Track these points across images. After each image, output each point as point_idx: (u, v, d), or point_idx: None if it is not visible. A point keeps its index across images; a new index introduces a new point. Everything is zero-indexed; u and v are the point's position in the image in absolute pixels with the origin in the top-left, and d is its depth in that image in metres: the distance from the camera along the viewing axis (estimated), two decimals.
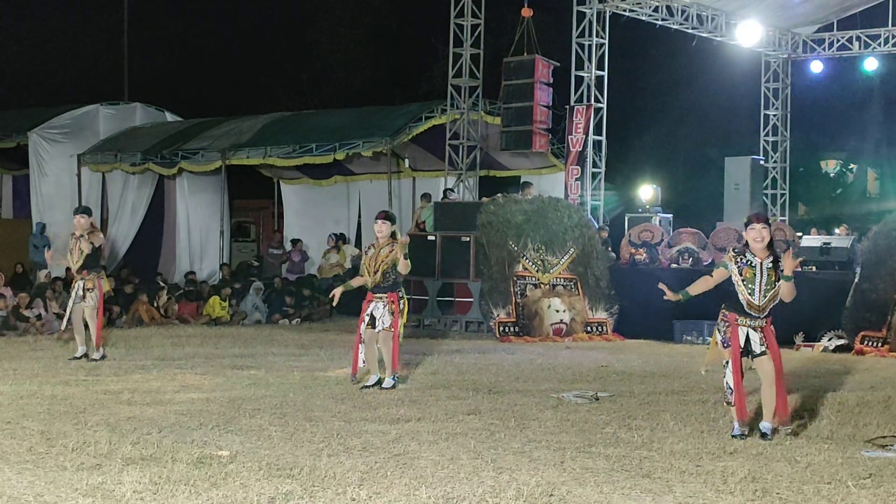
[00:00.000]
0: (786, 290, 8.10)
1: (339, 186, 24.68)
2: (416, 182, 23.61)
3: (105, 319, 13.97)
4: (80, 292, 12.74)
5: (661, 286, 8.57)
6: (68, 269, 19.82)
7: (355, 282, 10.90)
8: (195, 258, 23.72)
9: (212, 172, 22.57)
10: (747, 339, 8.19)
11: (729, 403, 8.38)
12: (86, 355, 12.74)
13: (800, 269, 16.48)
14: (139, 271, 21.58)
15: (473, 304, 17.44)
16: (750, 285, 8.14)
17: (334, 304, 11.17)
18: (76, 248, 12.79)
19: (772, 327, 8.25)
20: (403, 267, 10.44)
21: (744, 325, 8.20)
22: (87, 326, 12.87)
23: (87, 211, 13.34)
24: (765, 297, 8.13)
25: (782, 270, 8.08)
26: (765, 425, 8.17)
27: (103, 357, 12.72)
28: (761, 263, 8.14)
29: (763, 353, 8.18)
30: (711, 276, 8.36)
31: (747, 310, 8.17)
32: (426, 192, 21.37)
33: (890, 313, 14.85)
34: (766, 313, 8.18)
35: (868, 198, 31.76)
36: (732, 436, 8.12)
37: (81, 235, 12.76)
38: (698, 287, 8.46)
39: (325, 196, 25.05)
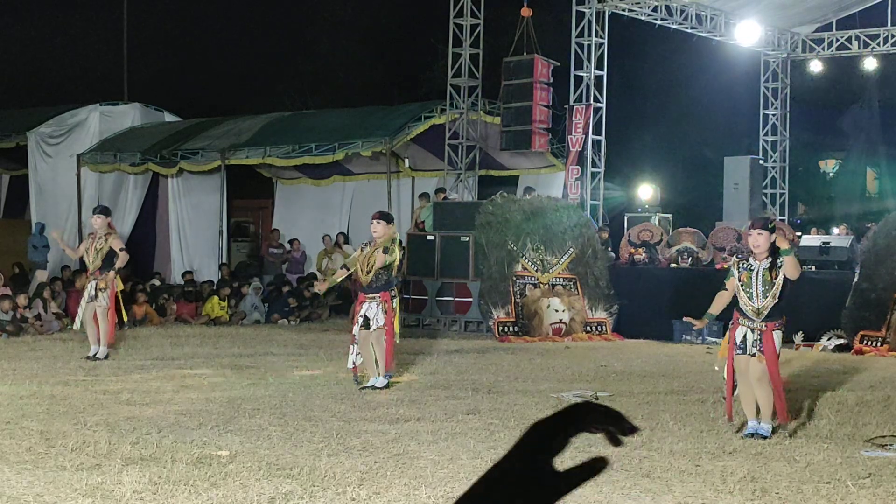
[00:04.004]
0: (790, 267, 8.11)
1: (332, 186, 24.66)
2: (416, 182, 23.59)
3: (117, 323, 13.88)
4: (93, 292, 12.72)
5: (688, 319, 8.65)
6: (65, 267, 19.96)
7: (339, 275, 10.97)
8: (192, 258, 23.68)
9: (211, 172, 22.55)
10: (744, 339, 8.25)
11: (724, 398, 8.44)
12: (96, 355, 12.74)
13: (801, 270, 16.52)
14: (138, 271, 21.55)
15: (473, 303, 17.43)
16: (748, 289, 8.23)
17: (319, 292, 11.28)
18: (92, 248, 12.76)
19: (776, 332, 8.23)
20: (381, 260, 10.42)
21: (743, 325, 8.27)
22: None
23: (105, 211, 13.29)
24: (763, 298, 8.17)
25: (780, 265, 8.12)
26: (763, 426, 8.17)
27: (107, 356, 12.72)
28: (759, 266, 8.20)
29: (753, 355, 8.21)
30: (726, 289, 8.47)
31: (746, 312, 8.25)
32: (424, 192, 21.36)
33: (889, 313, 14.85)
34: (765, 316, 8.19)
35: (867, 197, 31.75)
36: (744, 435, 8.12)
37: (101, 237, 12.74)
38: (718, 306, 8.59)
39: (318, 195, 25.02)
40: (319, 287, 11.08)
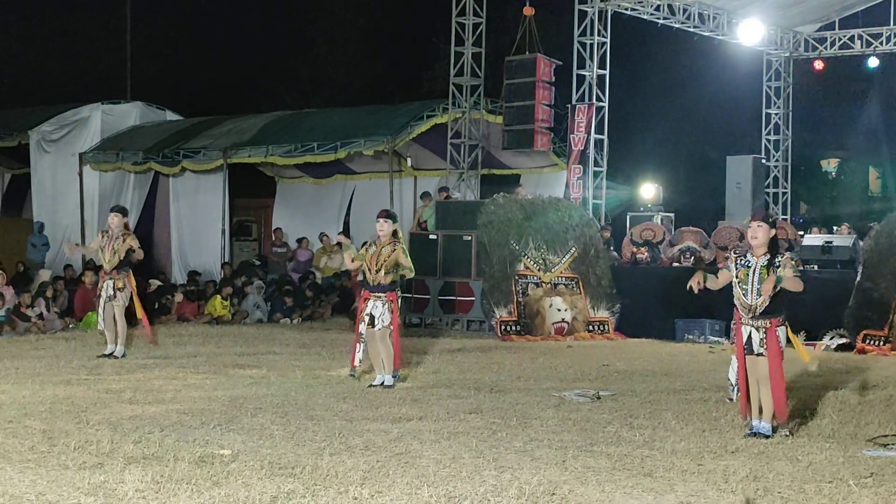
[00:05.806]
0: (790, 284, 8.09)
1: (332, 185, 24.65)
2: (418, 181, 23.59)
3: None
4: (111, 291, 12.73)
5: (691, 285, 8.54)
6: (67, 266, 19.94)
7: (348, 260, 10.91)
8: (194, 258, 23.65)
9: (213, 171, 22.55)
10: (749, 338, 8.24)
11: (731, 399, 8.42)
12: (113, 353, 12.74)
13: (801, 269, 16.51)
14: (139, 271, 21.48)
15: (475, 302, 17.43)
16: (743, 286, 8.23)
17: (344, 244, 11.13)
18: (109, 247, 12.76)
19: (779, 329, 8.21)
20: (404, 259, 10.53)
21: (747, 325, 8.26)
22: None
23: (123, 210, 13.27)
24: (758, 296, 8.15)
25: (777, 265, 8.10)
26: (763, 425, 8.17)
27: (123, 355, 12.74)
28: (756, 262, 8.19)
29: (760, 355, 8.20)
30: (717, 277, 8.47)
31: (742, 310, 8.24)
32: (426, 191, 21.36)
33: (892, 312, 14.85)
34: (761, 312, 8.17)
35: (870, 196, 31.74)
36: (745, 435, 8.12)
37: (118, 237, 12.74)
38: (710, 282, 8.48)
39: (318, 194, 25.01)
40: (346, 248, 10.98)
